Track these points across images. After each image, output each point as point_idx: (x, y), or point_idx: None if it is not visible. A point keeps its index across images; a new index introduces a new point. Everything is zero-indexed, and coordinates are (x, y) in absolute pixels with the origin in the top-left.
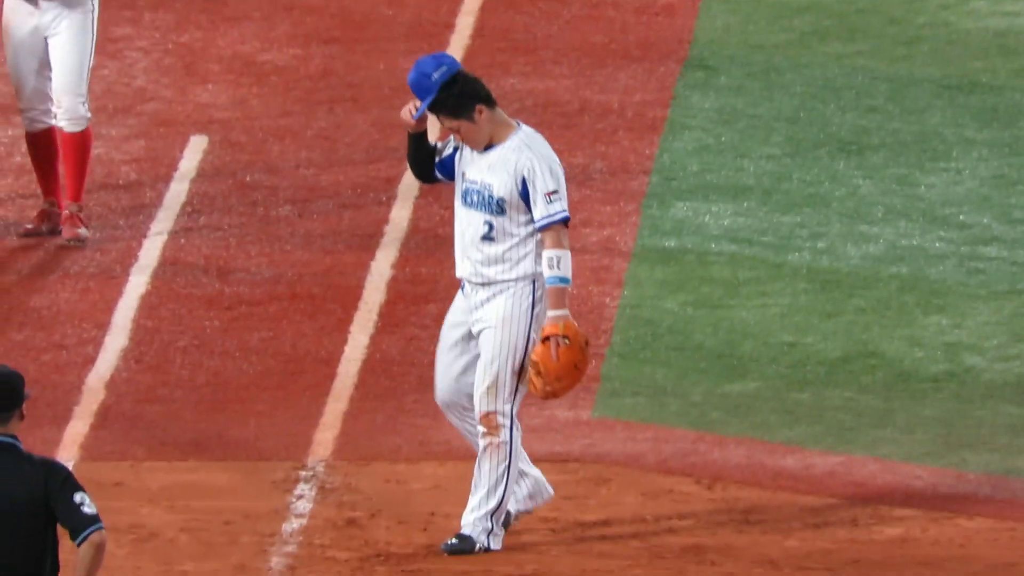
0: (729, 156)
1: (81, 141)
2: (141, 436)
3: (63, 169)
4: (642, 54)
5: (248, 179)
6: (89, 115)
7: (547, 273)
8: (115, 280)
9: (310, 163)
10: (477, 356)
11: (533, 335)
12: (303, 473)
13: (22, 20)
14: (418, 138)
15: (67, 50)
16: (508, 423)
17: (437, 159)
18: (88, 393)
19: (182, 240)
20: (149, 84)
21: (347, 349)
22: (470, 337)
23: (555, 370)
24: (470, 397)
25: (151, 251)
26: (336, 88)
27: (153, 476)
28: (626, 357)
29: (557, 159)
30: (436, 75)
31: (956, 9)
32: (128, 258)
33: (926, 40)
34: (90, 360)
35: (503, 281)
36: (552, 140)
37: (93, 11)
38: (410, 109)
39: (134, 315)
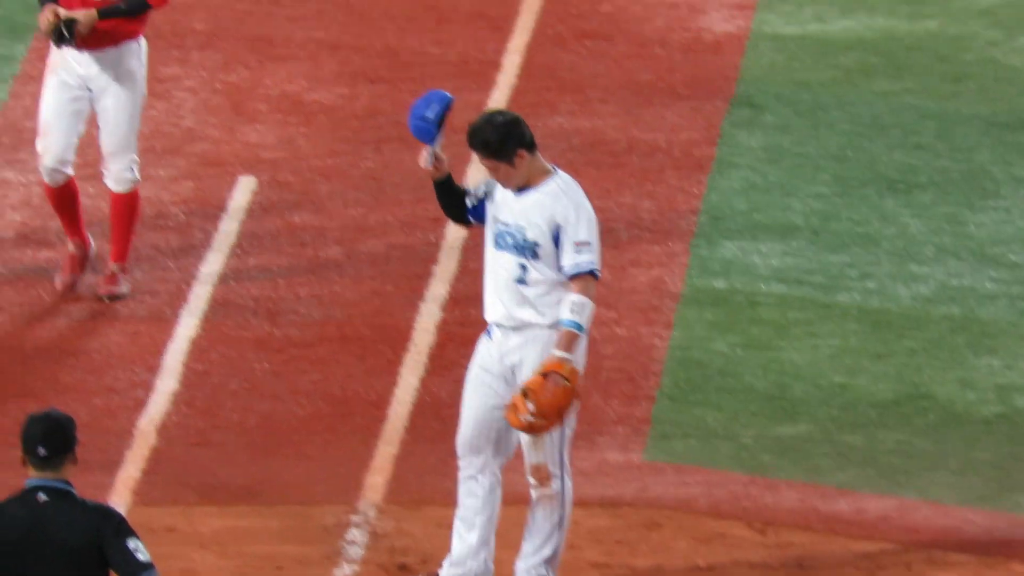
0: (777, 195)
1: (129, 202)
2: (192, 480)
3: (110, 230)
4: (689, 92)
5: (296, 219)
6: (138, 177)
7: (565, 316)
8: (165, 323)
9: (358, 203)
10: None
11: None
12: (354, 517)
13: (69, 67)
14: (443, 184)
15: (118, 108)
16: (559, 472)
17: (469, 203)
18: (139, 437)
19: (231, 281)
20: (197, 124)
21: (397, 391)
22: (501, 383)
23: (544, 404)
24: (498, 444)
25: (200, 293)
26: (383, 127)
27: (205, 521)
28: (676, 399)
29: (593, 211)
30: (430, 114)
31: (1003, 46)
32: (178, 300)
33: (973, 77)
34: (141, 404)
35: (536, 325)
36: (600, 179)
37: (143, 66)
38: (424, 156)
39: (184, 358)
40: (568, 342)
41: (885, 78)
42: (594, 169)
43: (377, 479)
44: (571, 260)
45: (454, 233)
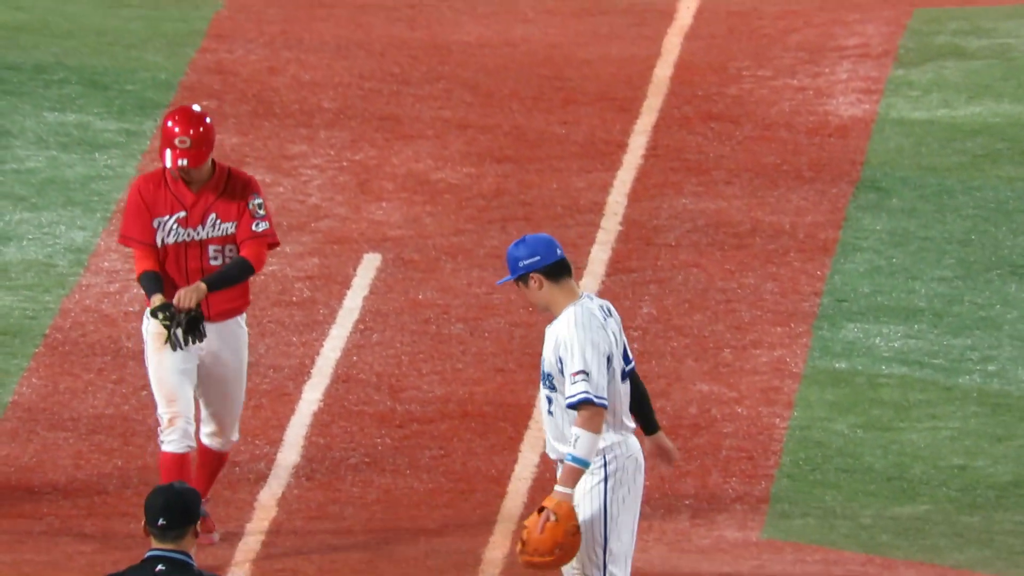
0: (900, 278)
1: (223, 459)
2: (312, 554)
3: (195, 473)
4: (814, 175)
5: (420, 297)
6: (238, 437)
7: (567, 449)
8: (287, 397)
9: (482, 282)
10: None
11: (610, 509)
12: None
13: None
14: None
15: (227, 378)
16: None
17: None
18: (260, 510)
19: (354, 357)
20: (323, 201)
21: (517, 468)
22: None
23: (535, 542)
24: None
25: (324, 368)
26: (509, 207)
27: None
28: (795, 478)
29: (601, 337)
30: (526, 262)
31: None
32: (300, 375)
33: None
34: (262, 477)
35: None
36: (723, 260)
37: (245, 329)
38: None
39: (306, 432)
40: (564, 476)
41: (1011, 164)
42: (718, 251)
43: (496, 555)
44: (567, 391)
45: None
